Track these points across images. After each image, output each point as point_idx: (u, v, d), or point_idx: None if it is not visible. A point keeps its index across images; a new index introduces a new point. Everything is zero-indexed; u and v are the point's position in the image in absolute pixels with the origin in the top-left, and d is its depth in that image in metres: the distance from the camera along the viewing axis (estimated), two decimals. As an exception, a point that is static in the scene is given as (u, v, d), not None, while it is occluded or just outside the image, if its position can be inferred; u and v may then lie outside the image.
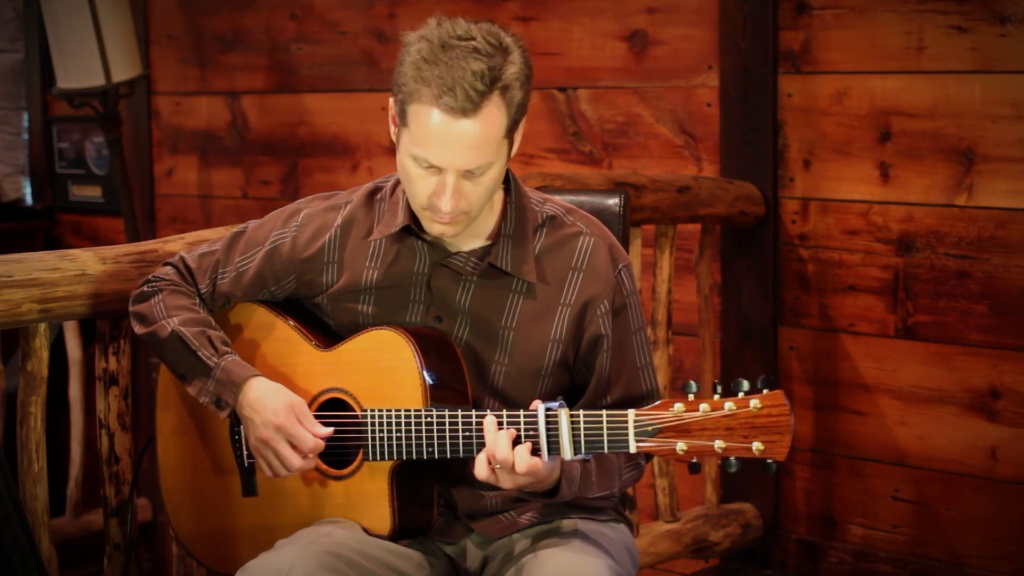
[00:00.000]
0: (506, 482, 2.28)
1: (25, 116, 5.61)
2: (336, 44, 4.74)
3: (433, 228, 2.39)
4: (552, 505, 2.44)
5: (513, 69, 2.32)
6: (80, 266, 2.78)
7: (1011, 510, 3.54)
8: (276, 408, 2.41)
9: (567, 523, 2.46)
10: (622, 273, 2.46)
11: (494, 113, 2.30)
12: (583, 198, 2.70)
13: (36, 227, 5.58)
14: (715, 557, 3.90)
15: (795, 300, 3.85)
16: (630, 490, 3.43)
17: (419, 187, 2.35)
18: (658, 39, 4.06)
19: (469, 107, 2.27)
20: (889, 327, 3.70)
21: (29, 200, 5.63)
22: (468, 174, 2.32)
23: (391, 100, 2.37)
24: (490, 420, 2.28)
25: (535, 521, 2.47)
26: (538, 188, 3.09)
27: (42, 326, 2.76)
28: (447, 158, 2.30)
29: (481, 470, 2.27)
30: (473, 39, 2.29)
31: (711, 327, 3.87)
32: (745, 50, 3.85)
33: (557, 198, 2.54)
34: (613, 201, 2.73)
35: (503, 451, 2.24)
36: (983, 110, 3.51)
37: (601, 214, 2.62)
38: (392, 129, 2.40)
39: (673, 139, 4.05)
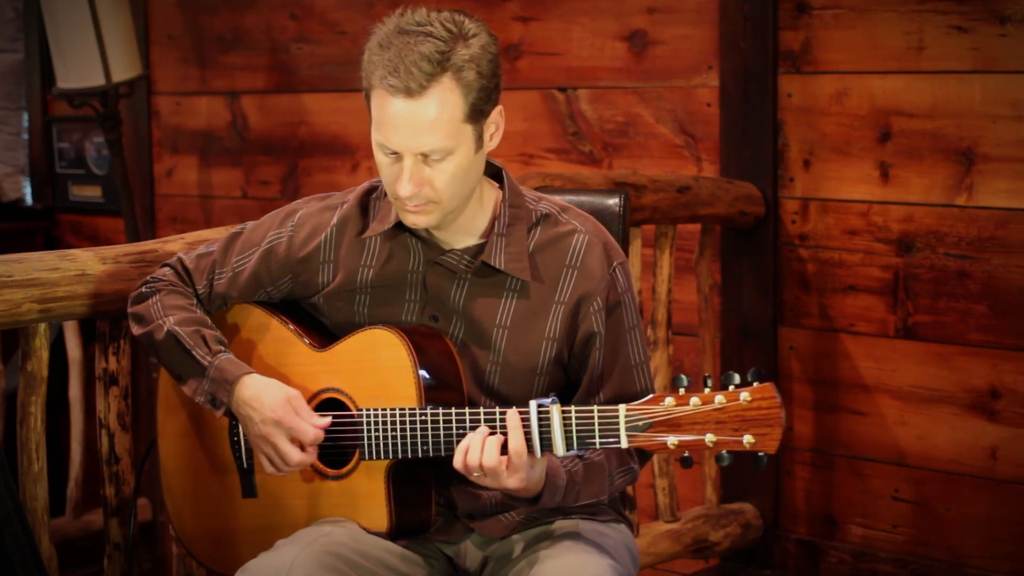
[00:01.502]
0: (482, 479, 2.28)
1: (25, 116, 5.61)
2: (336, 44, 4.74)
3: (406, 218, 2.39)
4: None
5: (467, 52, 2.30)
6: (80, 266, 2.78)
7: (1011, 510, 3.54)
8: (273, 403, 2.41)
9: (567, 523, 2.46)
10: (617, 271, 2.46)
11: (445, 95, 2.29)
12: (583, 198, 2.70)
13: (36, 227, 5.58)
14: (715, 557, 3.90)
15: (795, 300, 3.85)
16: (630, 490, 3.43)
17: (386, 175, 2.36)
18: (658, 39, 4.06)
19: (414, 87, 2.28)
20: (889, 327, 3.70)
21: (29, 200, 5.64)
22: (426, 159, 2.32)
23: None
24: (483, 428, 2.28)
25: (535, 521, 2.47)
26: (538, 188, 3.09)
27: (42, 326, 2.76)
28: (399, 141, 2.31)
29: (458, 460, 2.27)
30: (430, 25, 2.30)
31: (711, 327, 3.87)
32: (745, 50, 3.85)
33: (553, 196, 2.54)
34: (613, 201, 2.73)
35: (491, 459, 2.24)
36: (983, 110, 3.51)
37: (601, 214, 2.62)
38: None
39: (673, 139, 4.05)
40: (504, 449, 2.26)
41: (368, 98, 2.35)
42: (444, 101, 2.29)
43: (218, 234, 2.76)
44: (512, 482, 2.27)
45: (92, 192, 5.48)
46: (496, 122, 2.39)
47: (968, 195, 3.55)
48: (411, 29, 2.30)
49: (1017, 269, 3.50)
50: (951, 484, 3.63)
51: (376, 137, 2.35)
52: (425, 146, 2.31)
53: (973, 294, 3.56)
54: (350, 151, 4.73)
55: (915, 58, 3.60)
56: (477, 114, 2.34)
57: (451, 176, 2.34)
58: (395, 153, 2.33)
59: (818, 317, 3.82)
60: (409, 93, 2.28)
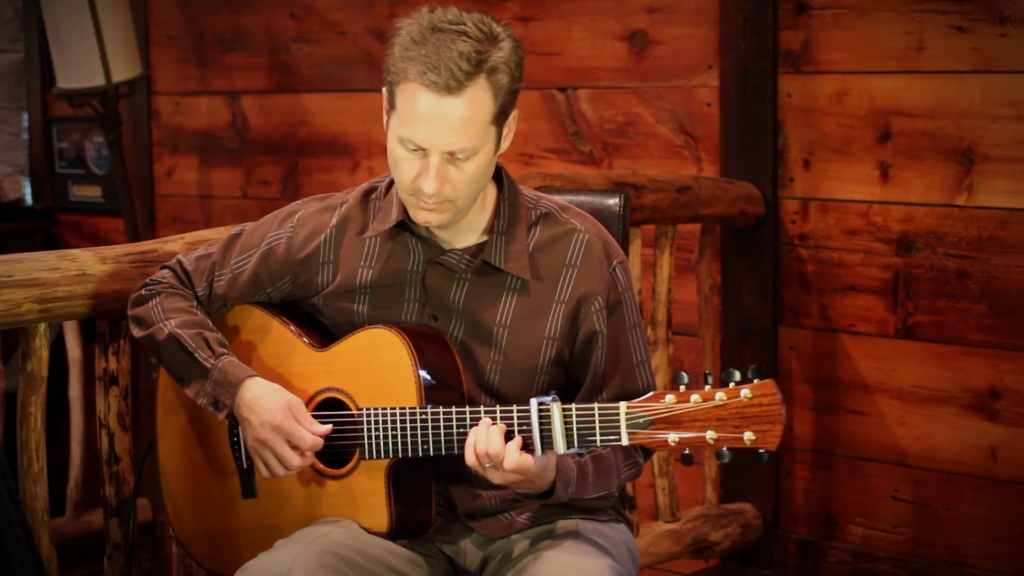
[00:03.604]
0: (495, 476, 2.28)
1: (25, 116, 5.61)
2: (336, 44, 4.74)
3: (418, 215, 2.39)
4: (551, 505, 2.44)
5: (501, 54, 2.32)
6: (80, 266, 2.78)
7: (1011, 510, 3.54)
8: (273, 408, 2.41)
9: (567, 523, 2.46)
10: (616, 270, 2.46)
11: (479, 95, 2.30)
12: (583, 198, 2.70)
13: (36, 227, 5.58)
14: (715, 557, 3.90)
15: (795, 300, 3.85)
16: (630, 490, 3.43)
17: (404, 170, 2.36)
18: (658, 39, 4.06)
19: (453, 85, 2.28)
20: (889, 327, 3.70)
21: (29, 200, 5.64)
22: (452, 157, 2.32)
23: (384, 88, 2.39)
24: (485, 419, 2.28)
25: (535, 521, 2.47)
26: (538, 188, 3.09)
27: (42, 326, 2.76)
28: (431, 137, 2.31)
29: (470, 457, 2.28)
30: (463, 24, 2.31)
31: (711, 327, 3.88)
32: (745, 50, 3.85)
33: (552, 196, 2.54)
34: (613, 201, 2.73)
35: (495, 446, 2.25)
36: (983, 110, 3.51)
37: (601, 214, 2.62)
38: (384, 118, 2.41)
39: (673, 139, 4.05)
40: (508, 439, 2.26)
41: (393, 92, 2.35)
42: (477, 101, 2.30)
43: (218, 234, 2.76)
44: (515, 477, 2.27)
45: (92, 192, 5.48)
46: (510, 124, 2.40)
47: (968, 195, 3.55)
48: (445, 27, 2.31)
49: (1017, 269, 3.50)
50: (951, 484, 3.63)
51: (401, 132, 2.34)
52: (454, 144, 2.32)
53: (973, 294, 3.56)
54: (350, 151, 4.73)
55: (915, 58, 3.60)
56: (502, 116, 2.36)
57: (471, 176, 2.35)
58: (420, 149, 2.33)
59: (818, 317, 3.82)
60: (448, 90, 2.28)
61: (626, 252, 2.62)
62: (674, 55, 4.03)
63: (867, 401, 3.75)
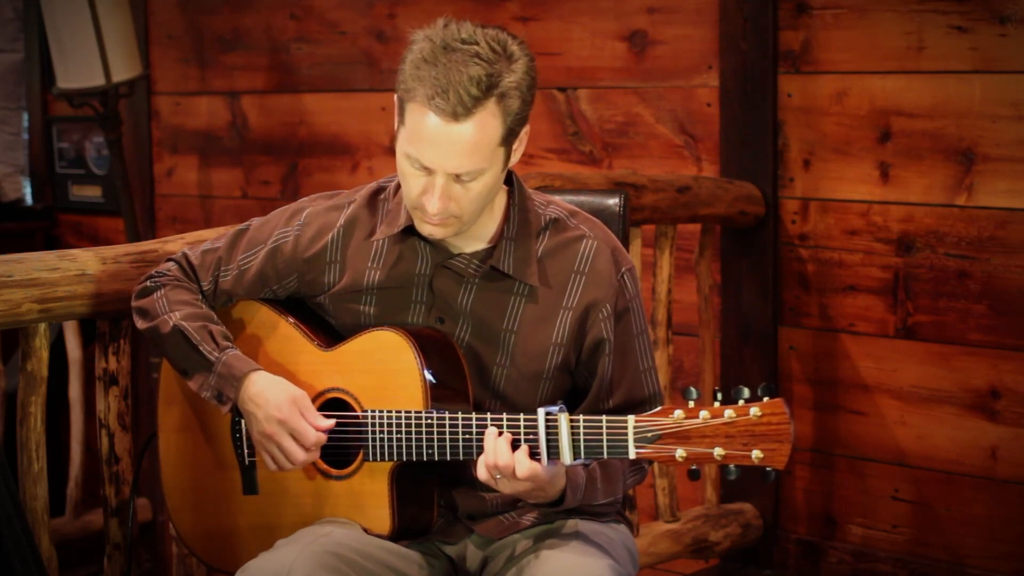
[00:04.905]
0: (506, 487, 2.28)
1: (25, 116, 5.61)
2: (336, 44, 4.74)
3: (423, 228, 2.39)
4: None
5: (513, 78, 2.30)
6: (80, 266, 2.78)
7: (1011, 510, 3.54)
8: (279, 402, 2.41)
9: (567, 524, 2.46)
10: (625, 277, 2.46)
11: (488, 120, 2.29)
12: (583, 198, 2.70)
13: (36, 227, 5.58)
14: (715, 557, 3.90)
15: (795, 300, 3.85)
16: (630, 490, 3.43)
17: (411, 185, 2.35)
18: (658, 39, 4.06)
19: (461, 111, 2.27)
20: (889, 327, 3.70)
21: (29, 200, 5.63)
22: (458, 178, 2.32)
23: (395, 96, 2.38)
24: (491, 429, 2.28)
25: (536, 522, 2.47)
26: (538, 188, 3.09)
27: (42, 326, 2.76)
28: (436, 160, 2.30)
29: (482, 472, 2.28)
30: (476, 44, 2.28)
31: (711, 327, 3.87)
32: (745, 50, 3.85)
33: (561, 200, 2.53)
34: (613, 201, 2.73)
35: (504, 457, 2.24)
36: (983, 110, 3.51)
37: (601, 214, 2.62)
38: (395, 124, 2.41)
39: (673, 139, 4.05)
40: (514, 448, 2.26)
41: (403, 108, 2.33)
42: (486, 125, 2.29)
43: (217, 234, 2.76)
44: (525, 486, 2.27)
45: (92, 192, 5.48)
46: (522, 139, 2.40)
47: (968, 195, 3.55)
48: (457, 46, 2.28)
49: (1017, 269, 3.50)
50: (951, 484, 3.63)
51: (408, 149, 2.33)
52: (460, 168, 2.31)
53: (973, 294, 3.56)
54: (350, 151, 4.73)
55: (915, 58, 3.60)
56: (511, 137, 2.35)
57: (476, 195, 2.34)
58: (426, 168, 2.33)
59: (818, 317, 3.82)
60: (455, 116, 2.27)
61: (629, 255, 2.62)
62: (674, 55, 4.03)
63: (867, 401, 3.75)
